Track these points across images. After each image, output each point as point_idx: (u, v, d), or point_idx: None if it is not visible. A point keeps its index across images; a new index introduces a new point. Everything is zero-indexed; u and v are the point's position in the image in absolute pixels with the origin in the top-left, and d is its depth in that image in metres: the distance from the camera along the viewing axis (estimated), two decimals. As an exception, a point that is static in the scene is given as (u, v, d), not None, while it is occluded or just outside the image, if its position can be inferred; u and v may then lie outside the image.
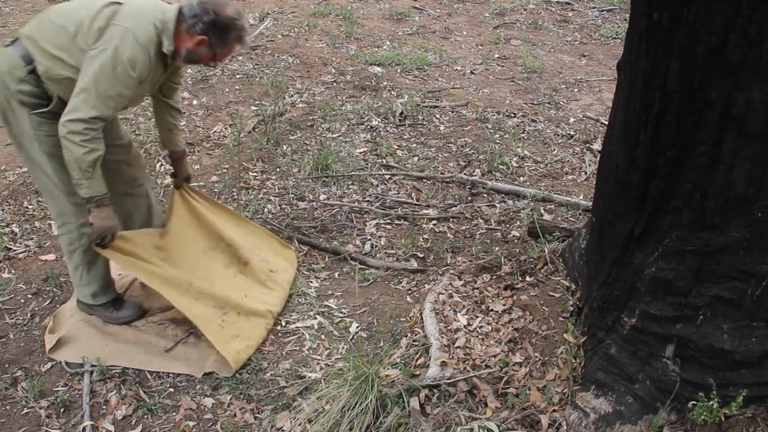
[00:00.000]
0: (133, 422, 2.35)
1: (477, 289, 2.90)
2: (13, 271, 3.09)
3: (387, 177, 4.04)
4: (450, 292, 2.89)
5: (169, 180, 3.91)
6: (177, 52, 2.35)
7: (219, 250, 2.93)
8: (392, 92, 5.29)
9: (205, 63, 2.45)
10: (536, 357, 2.40)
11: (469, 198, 3.84)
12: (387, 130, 4.65)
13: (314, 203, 3.72)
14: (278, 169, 4.08)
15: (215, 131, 4.55)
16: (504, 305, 2.71)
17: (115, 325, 2.73)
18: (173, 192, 2.87)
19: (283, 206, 3.70)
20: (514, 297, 2.73)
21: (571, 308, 2.52)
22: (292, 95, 5.13)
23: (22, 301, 2.92)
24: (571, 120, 4.95)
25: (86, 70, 2.22)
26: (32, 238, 3.33)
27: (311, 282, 3.11)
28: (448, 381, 2.31)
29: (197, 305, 2.63)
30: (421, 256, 3.30)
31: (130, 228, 2.78)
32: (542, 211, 3.64)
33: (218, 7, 2.34)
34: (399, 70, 5.76)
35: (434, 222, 3.58)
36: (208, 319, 2.61)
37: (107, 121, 2.32)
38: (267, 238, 3.18)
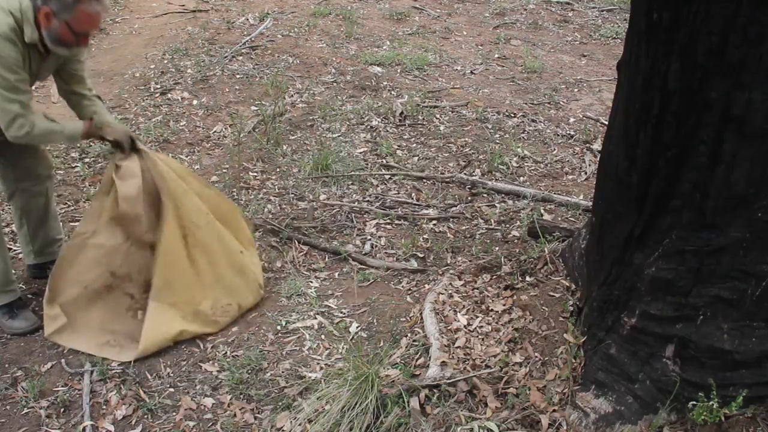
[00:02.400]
0: (133, 422, 2.35)
1: (477, 289, 2.90)
2: (13, 271, 3.08)
3: (387, 177, 4.04)
4: (450, 292, 2.89)
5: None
6: (42, 37, 2.34)
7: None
8: (392, 92, 5.29)
9: (71, 41, 2.37)
10: (536, 357, 2.40)
11: (469, 198, 3.84)
12: (387, 130, 4.65)
13: (314, 203, 3.72)
14: (278, 169, 4.08)
15: (215, 131, 4.55)
16: (504, 305, 2.71)
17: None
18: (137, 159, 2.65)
19: (283, 206, 3.70)
20: (514, 297, 2.73)
21: (571, 308, 2.52)
22: (292, 95, 5.13)
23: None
24: (571, 120, 4.95)
25: None
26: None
27: (311, 282, 3.11)
28: (448, 381, 2.31)
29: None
30: (421, 256, 3.30)
31: (22, 226, 2.87)
32: (542, 211, 3.64)
33: None
34: (399, 70, 5.76)
35: (434, 222, 3.58)
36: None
37: (25, 103, 2.37)
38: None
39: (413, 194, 3.87)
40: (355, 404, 2.17)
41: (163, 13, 7.09)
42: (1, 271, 2.68)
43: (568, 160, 4.33)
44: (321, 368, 2.56)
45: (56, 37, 2.35)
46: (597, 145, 4.46)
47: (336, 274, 3.19)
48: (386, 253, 3.34)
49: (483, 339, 2.56)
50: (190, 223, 2.71)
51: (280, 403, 2.38)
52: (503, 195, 3.86)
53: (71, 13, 2.30)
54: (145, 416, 2.37)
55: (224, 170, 4.04)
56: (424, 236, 3.45)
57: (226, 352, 2.66)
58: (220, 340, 2.73)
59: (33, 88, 2.58)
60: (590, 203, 3.27)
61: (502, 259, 3.04)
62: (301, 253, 3.30)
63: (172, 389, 2.49)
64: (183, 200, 2.69)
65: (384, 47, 6.31)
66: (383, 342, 2.67)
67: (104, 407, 2.41)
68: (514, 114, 4.98)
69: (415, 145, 4.48)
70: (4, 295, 2.71)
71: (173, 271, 2.66)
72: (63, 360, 2.60)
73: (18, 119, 2.37)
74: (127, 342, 2.66)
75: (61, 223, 3.14)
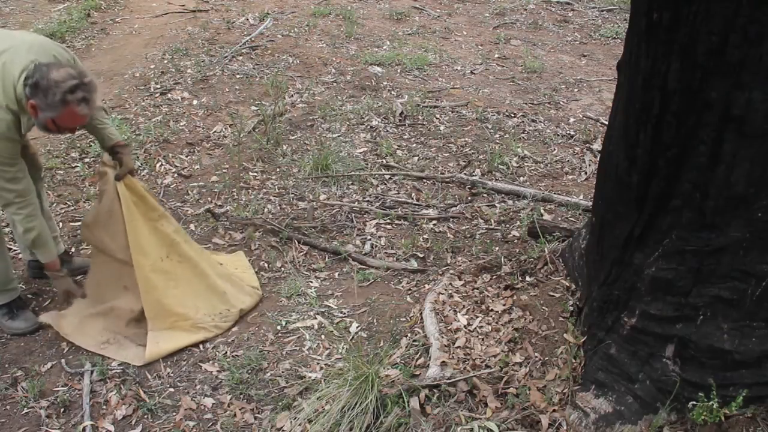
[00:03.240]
0: (133, 422, 2.35)
1: (477, 289, 2.90)
2: (13, 271, 3.08)
3: (387, 177, 4.04)
4: (450, 292, 2.89)
5: (169, 179, 3.91)
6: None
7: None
8: (392, 92, 5.29)
9: (58, 132, 2.39)
10: (536, 357, 2.40)
11: (469, 198, 3.84)
12: (387, 130, 4.65)
13: (314, 203, 3.72)
14: (278, 169, 4.07)
15: (215, 131, 4.55)
16: (504, 305, 2.71)
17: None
18: (113, 182, 2.67)
19: (283, 206, 3.70)
20: (514, 297, 2.73)
21: (571, 308, 2.52)
22: (292, 95, 5.12)
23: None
24: (571, 120, 4.95)
25: None
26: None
27: (311, 282, 3.11)
28: (448, 381, 2.31)
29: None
30: (421, 256, 3.30)
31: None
32: (542, 211, 3.64)
33: (46, 68, 2.24)
34: (399, 70, 5.76)
35: (434, 222, 3.58)
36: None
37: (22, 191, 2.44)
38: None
39: (413, 194, 3.87)
40: (355, 404, 2.17)
41: (163, 13, 7.08)
42: (1, 270, 2.68)
43: (568, 160, 4.33)
44: (321, 368, 2.56)
45: (43, 126, 2.35)
46: (597, 145, 4.46)
47: (336, 274, 3.19)
48: (386, 253, 3.34)
49: (483, 339, 2.56)
50: (172, 240, 2.75)
51: (280, 403, 2.38)
52: (503, 195, 3.86)
53: (57, 113, 2.27)
54: (145, 416, 2.37)
55: (224, 170, 4.04)
56: (424, 236, 3.45)
57: (226, 352, 2.66)
58: (220, 340, 2.73)
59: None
60: (590, 203, 3.27)
61: (502, 259, 3.04)
62: (301, 253, 3.30)
63: (172, 389, 2.49)
64: (161, 221, 2.75)
65: (384, 47, 6.30)
66: (383, 342, 2.67)
67: (104, 407, 2.41)
68: (514, 114, 4.98)
69: (415, 145, 4.48)
70: (4, 294, 2.71)
71: (158, 297, 2.68)
72: (63, 360, 2.61)
73: (13, 206, 2.44)
74: (126, 342, 2.66)
75: (55, 222, 3.15)
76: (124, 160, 2.72)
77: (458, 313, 2.72)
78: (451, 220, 3.61)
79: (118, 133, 2.84)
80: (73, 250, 3.18)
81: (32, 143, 2.84)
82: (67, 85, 2.21)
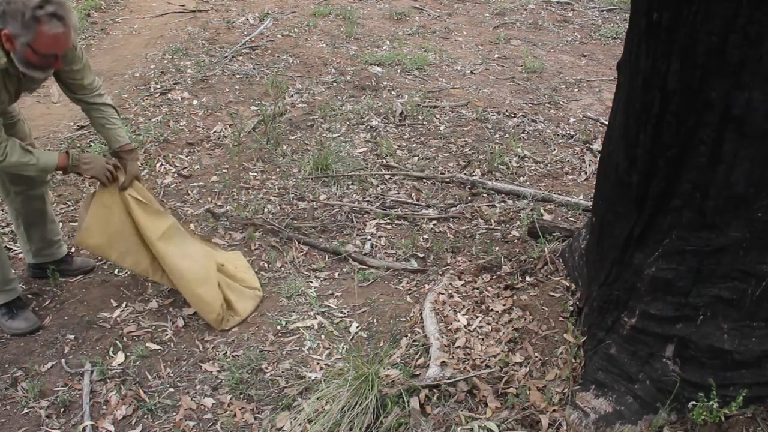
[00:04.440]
0: (133, 422, 2.35)
1: (477, 289, 2.90)
2: (13, 271, 3.08)
3: (387, 177, 4.04)
4: (450, 292, 2.89)
5: (169, 179, 3.91)
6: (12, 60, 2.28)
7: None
8: (392, 92, 5.29)
9: (40, 63, 2.28)
10: (536, 357, 2.40)
11: (469, 198, 3.84)
12: (387, 130, 4.65)
13: (314, 203, 3.72)
14: (278, 169, 4.07)
15: (215, 131, 4.55)
16: (504, 305, 2.71)
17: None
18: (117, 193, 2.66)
19: (283, 206, 3.70)
20: (514, 297, 2.73)
21: (571, 308, 2.52)
22: (292, 95, 5.12)
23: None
24: (571, 120, 4.95)
25: None
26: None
27: (311, 282, 3.11)
28: (448, 381, 2.31)
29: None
30: (421, 256, 3.30)
31: (19, 226, 2.89)
32: (542, 211, 3.64)
33: None
34: (399, 70, 5.76)
35: (434, 222, 3.58)
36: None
37: None
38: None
39: (413, 194, 3.87)
40: (355, 404, 2.17)
41: (163, 13, 7.08)
42: None
43: (568, 160, 4.33)
44: (321, 368, 2.56)
45: (23, 59, 2.26)
46: (597, 145, 4.46)
47: (336, 274, 3.19)
48: (386, 253, 3.34)
49: (483, 339, 2.56)
50: (172, 236, 2.77)
51: (280, 403, 2.38)
52: (503, 195, 3.86)
53: (32, 35, 2.19)
54: (145, 416, 2.37)
55: (224, 170, 4.04)
56: (424, 236, 3.45)
57: (226, 352, 2.66)
58: (220, 340, 2.73)
59: (17, 102, 2.57)
60: (590, 203, 3.27)
61: (502, 259, 3.04)
62: (301, 253, 3.30)
63: (172, 389, 2.49)
64: (164, 219, 2.76)
65: (384, 47, 6.30)
66: (383, 342, 2.67)
67: (104, 407, 2.41)
68: (514, 114, 4.98)
69: (415, 145, 4.48)
70: (3, 294, 2.70)
71: (189, 274, 2.75)
72: (63, 360, 2.61)
73: None
74: (155, 265, 2.76)
75: (59, 225, 3.15)
76: (128, 166, 2.68)
77: (458, 313, 2.72)
78: (451, 220, 3.61)
79: (127, 136, 2.79)
80: (72, 250, 3.18)
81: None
82: (34, 1, 2.16)
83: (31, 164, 2.46)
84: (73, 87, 2.60)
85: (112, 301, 2.94)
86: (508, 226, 3.53)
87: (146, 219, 2.69)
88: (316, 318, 2.85)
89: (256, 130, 4.55)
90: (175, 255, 2.73)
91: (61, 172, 2.59)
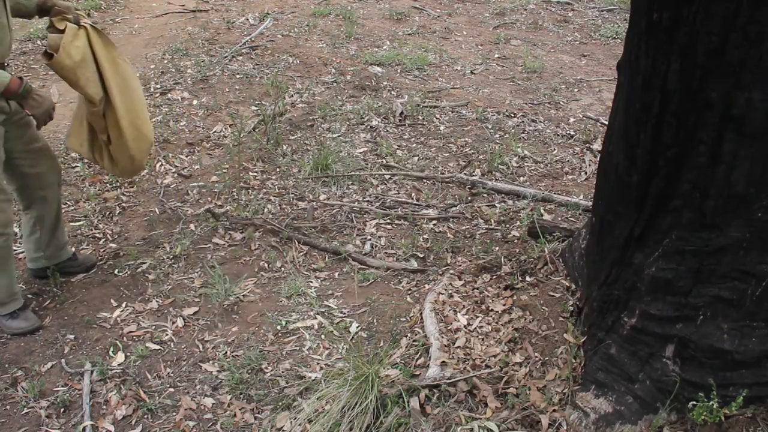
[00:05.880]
0: (133, 422, 2.35)
1: (477, 289, 2.90)
2: (16, 285, 3.08)
3: (387, 177, 4.04)
4: (450, 292, 2.89)
5: (169, 179, 3.91)
6: None
7: None
8: (392, 92, 5.29)
9: None
10: (536, 357, 2.40)
11: (469, 198, 3.84)
12: (387, 130, 4.65)
13: (314, 203, 3.72)
14: (278, 169, 4.07)
15: (215, 131, 4.55)
16: (504, 305, 2.71)
17: None
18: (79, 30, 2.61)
19: (283, 206, 3.70)
20: (514, 297, 2.73)
21: (571, 308, 2.52)
22: (292, 95, 5.12)
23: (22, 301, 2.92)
24: (571, 120, 4.95)
25: None
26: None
27: (311, 282, 3.11)
28: (448, 381, 2.31)
29: None
30: (421, 256, 3.30)
31: (33, 233, 2.90)
32: (542, 211, 3.64)
33: None
34: (399, 70, 5.76)
35: (434, 222, 3.58)
36: None
37: None
38: None
39: (413, 194, 3.87)
40: (355, 404, 2.17)
41: (163, 13, 7.08)
42: (5, 285, 2.68)
43: (568, 160, 4.33)
44: (321, 368, 2.56)
45: None
46: (597, 145, 4.46)
47: (336, 274, 3.19)
48: (386, 253, 3.34)
49: (483, 339, 2.56)
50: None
51: (280, 403, 2.38)
52: (503, 195, 3.86)
53: None
54: (145, 416, 2.37)
55: (224, 170, 4.04)
56: (424, 236, 3.45)
57: (226, 352, 2.66)
58: (220, 340, 2.73)
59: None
60: (590, 203, 3.27)
61: (502, 259, 3.04)
62: (301, 253, 3.30)
63: (172, 389, 2.49)
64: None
65: (384, 47, 6.30)
66: (383, 342, 2.67)
67: (104, 407, 2.41)
68: (514, 114, 4.98)
69: (415, 145, 4.48)
70: (8, 305, 2.72)
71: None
72: (63, 360, 2.61)
73: None
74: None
75: (65, 232, 3.15)
76: (61, 5, 2.58)
77: (458, 313, 2.72)
78: (451, 220, 3.61)
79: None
80: (73, 249, 3.17)
81: (51, 151, 2.86)
82: None
83: None
84: None
85: (112, 301, 2.94)
86: (508, 226, 3.53)
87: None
88: (316, 318, 2.85)
89: (256, 130, 4.55)
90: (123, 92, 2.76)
91: (4, 96, 2.44)
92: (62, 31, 2.57)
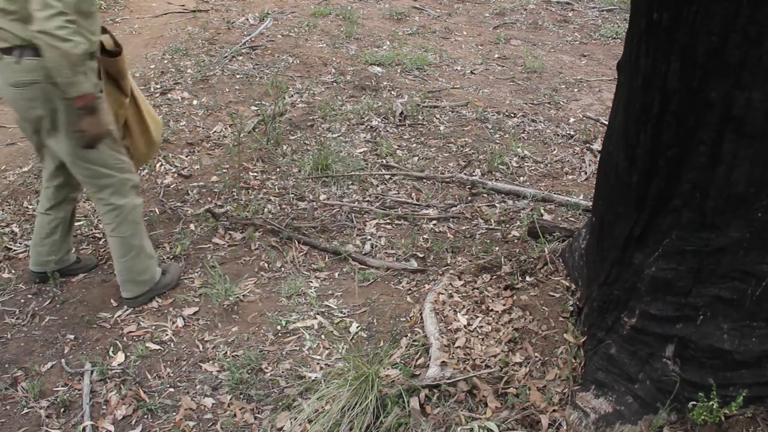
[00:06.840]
0: (133, 422, 2.35)
1: (477, 289, 2.90)
2: (13, 271, 3.09)
3: (387, 177, 4.04)
4: (450, 292, 2.89)
5: (169, 179, 3.91)
6: None
7: None
8: (392, 92, 5.29)
9: None
10: (536, 357, 2.40)
11: (469, 198, 3.84)
12: (387, 130, 4.65)
13: (314, 203, 3.72)
14: (278, 169, 4.08)
15: (215, 131, 4.55)
16: (504, 305, 2.71)
17: None
18: None
19: (283, 206, 3.70)
20: (514, 297, 2.73)
21: (571, 308, 2.52)
22: (292, 95, 5.13)
23: (22, 301, 2.92)
24: (571, 120, 4.95)
25: None
26: (32, 238, 3.32)
27: (311, 282, 3.11)
28: (448, 381, 2.31)
29: None
30: (421, 256, 3.30)
31: (53, 233, 2.91)
32: (542, 211, 3.64)
33: None
34: (399, 70, 5.76)
35: (434, 222, 3.58)
36: None
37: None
38: None
39: (413, 194, 3.87)
40: (355, 404, 2.17)
41: (163, 13, 7.09)
42: (147, 256, 2.84)
43: (568, 160, 4.33)
44: (321, 368, 2.56)
45: None
46: (597, 145, 4.46)
47: (336, 274, 3.19)
48: (386, 253, 3.34)
49: (483, 339, 2.56)
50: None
51: (280, 403, 2.38)
52: (503, 195, 3.86)
53: None
54: (145, 416, 2.37)
55: (224, 170, 4.04)
56: (424, 236, 3.45)
57: (226, 352, 2.66)
58: (220, 340, 2.73)
59: None
60: (590, 203, 3.27)
61: (502, 259, 3.04)
62: (301, 253, 3.30)
63: (172, 389, 2.49)
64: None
65: (384, 47, 6.31)
66: (383, 342, 2.68)
67: (104, 407, 2.41)
68: (514, 114, 4.98)
69: (415, 145, 4.48)
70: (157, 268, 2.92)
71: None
72: (63, 360, 2.61)
73: (61, 16, 2.11)
74: None
75: (72, 242, 3.14)
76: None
77: (458, 313, 2.72)
78: (451, 220, 3.61)
79: None
80: (73, 250, 3.17)
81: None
82: None
83: (85, 70, 2.28)
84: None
85: (112, 301, 2.94)
86: (508, 226, 3.53)
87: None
88: (316, 318, 2.85)
89: (256, 130, 4.55)
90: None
91: (77, 100, 2.31)
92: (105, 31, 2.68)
